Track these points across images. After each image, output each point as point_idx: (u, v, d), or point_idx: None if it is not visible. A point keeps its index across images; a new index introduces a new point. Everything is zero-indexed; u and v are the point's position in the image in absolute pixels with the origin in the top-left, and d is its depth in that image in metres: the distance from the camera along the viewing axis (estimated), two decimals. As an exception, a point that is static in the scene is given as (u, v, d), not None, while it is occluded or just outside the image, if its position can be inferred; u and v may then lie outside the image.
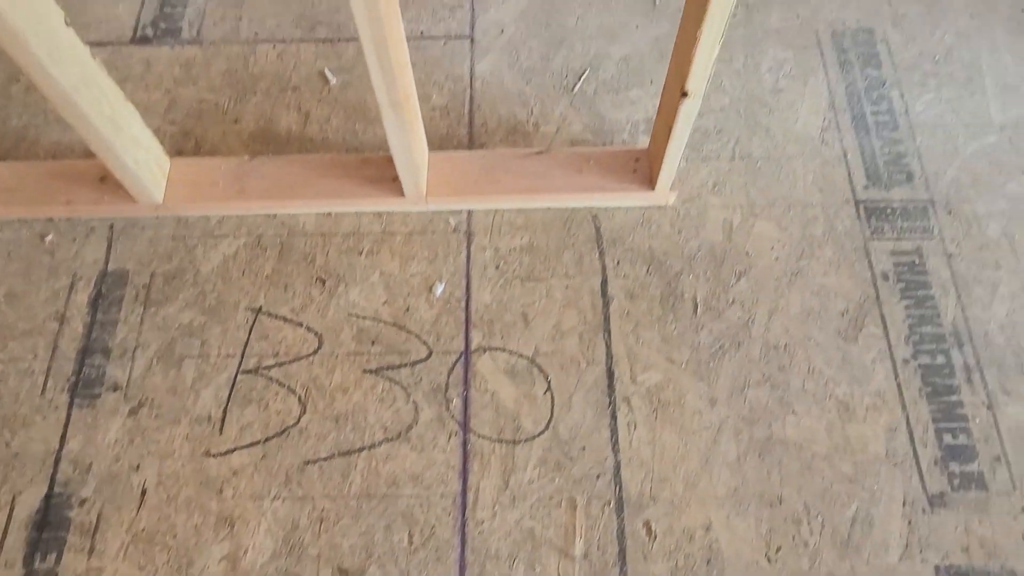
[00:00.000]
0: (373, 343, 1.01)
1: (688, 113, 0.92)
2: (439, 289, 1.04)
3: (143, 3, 1.28)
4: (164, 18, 1.27)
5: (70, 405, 0.96)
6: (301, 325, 1.02)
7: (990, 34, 1.24)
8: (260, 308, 1.03)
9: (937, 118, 1.17)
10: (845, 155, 1.14)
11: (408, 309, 1.03)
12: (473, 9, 1.28)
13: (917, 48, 1.23)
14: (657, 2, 1.28)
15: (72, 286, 1.04)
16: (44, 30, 0.80)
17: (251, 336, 1.01)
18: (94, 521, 0.90)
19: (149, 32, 1.25)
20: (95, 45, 1.24)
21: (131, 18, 1.27)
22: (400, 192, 1.07)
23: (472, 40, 1.25)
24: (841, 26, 1.25)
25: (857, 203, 1.10)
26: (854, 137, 1.15)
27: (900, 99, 1.18)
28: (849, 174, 1.13)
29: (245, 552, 0.89)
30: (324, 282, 1.05)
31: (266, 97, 1.19)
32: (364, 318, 1.02)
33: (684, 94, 0.89)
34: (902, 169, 1.13)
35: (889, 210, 1.10)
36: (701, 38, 0.80)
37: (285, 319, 1.02)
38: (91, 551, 0.89)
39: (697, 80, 0.87)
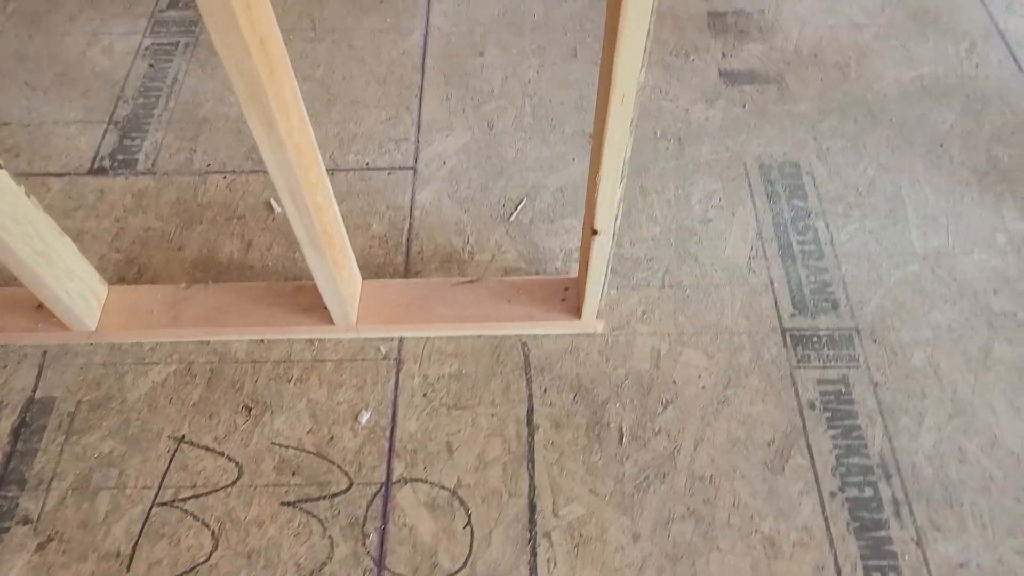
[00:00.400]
0: (294, 473, 1.00)
1: (601, 249, 0.95)
2: (364, 417, 1.04)
3: (104, 136, 1.35)
4: (122, 150, 1.33)
5: (-22, 539, 0.94)
6: (222, 455, 1.01)
7: (910, 167, 1.29)
8: (183, 437, 1.02)
9: (861, 247, 1.20)
10: (772, 283, 1.16)
11: (332, 438, 1.03)
12: (418, 142, 1.34)
13: (841, 180, 1.28)
14: (591, 135, 1.35)
15: (-3, 414, 1.04)
16: (-27, 174, 0.84)
17: (171, 466, 1.00)
18: (-14, 667, 0.86)
19: (107, 163, 1.31)
20: (53, 175, 1.29)
21: (91, 150, 1.33)
22: (331, 320, 1.08)
23: (415, 171, 1.30)
24: (768, 159, 1.31)
25: (784, 331, 1.12)
26: (781, 266, 1.18)
27: (825, 229, 1.22)
28: (776, 302, 1.15)
29: None
30: (250, 410, 1.05)
31: (212, 225, 1.23)
32: (287, 447, 1.02)
33: (594, 232, 0.92)
34: (827, 297, 1.15)
35: (815, 338, 1.11)
36: (600, 184, 0.84)
37: (207, 448, 1.01)
38: None
39: (604, 220, 0.90)
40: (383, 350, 1.10)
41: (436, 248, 1.21)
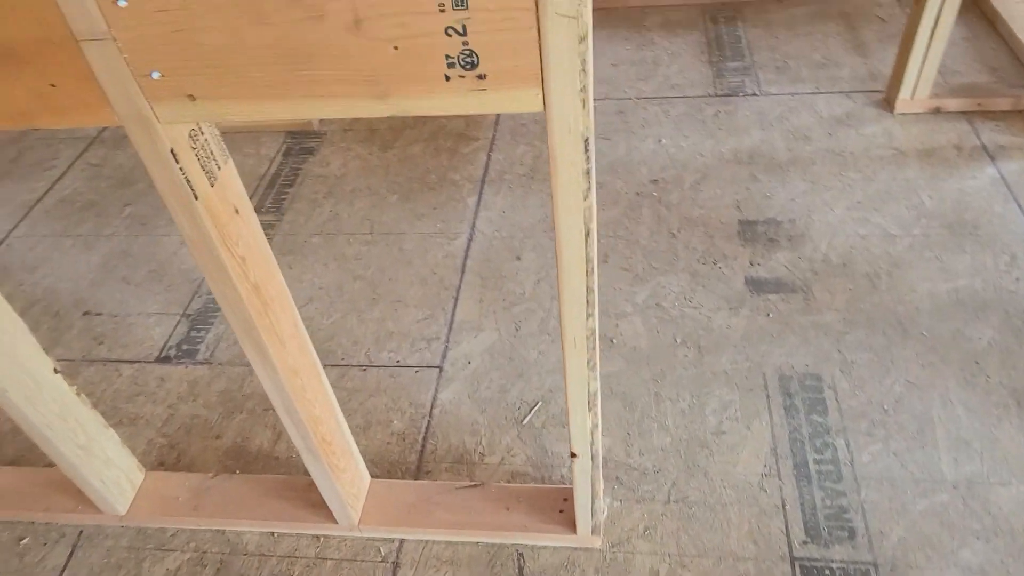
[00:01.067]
0: None
1: (582, 471, 0.96)
2: (354, 623, 1.05)
3: (175, 327, 1.52)
4: (188, 341, 1.49)
5: None
6: (215, 652, 1.04)
7: (942, 385, 1.24)
8: (183, 629, 1.06)
9: (884, 471, 1.14)
10: (784, 505, 1.12)
11: (319, 643, 1.04)
12: (448, 342, 1.43)
13: (865, 396, 1.24)
14: (614, 340, 1.39)
15: (29, 590, 1.12)
16: (26, 382, 0.98)
17: (166, 659, 1.03)
18: None
19: (172, 352, 1.47)
20: (126, 363, 1.46)
21: (162, 339, 1.49)
22: (335, 519, 1.13)
23: (441, 370, 1.38)
24: (789, 371, 1.30)
25: (793, 560, 1.06)
26: (795, 486, 1.14)
27: (845, 448, 1.18)
28: (787, 527, 1.09)
29: None
30: (249, 606, 1.08)
31: (250, 416, 1.34)
32: (276, 649, 1.03)
33: (572, 455, 0.94)
34: (844, 525, 1.09)
35: (827, 571, 1.04)
36: (570, 411, 0.87)
37: (202, 643, 1.05)
38: None
39: (579, 444, 0.92)
40: (383, 552, 1.12)
41: (450, 447, 1.25)
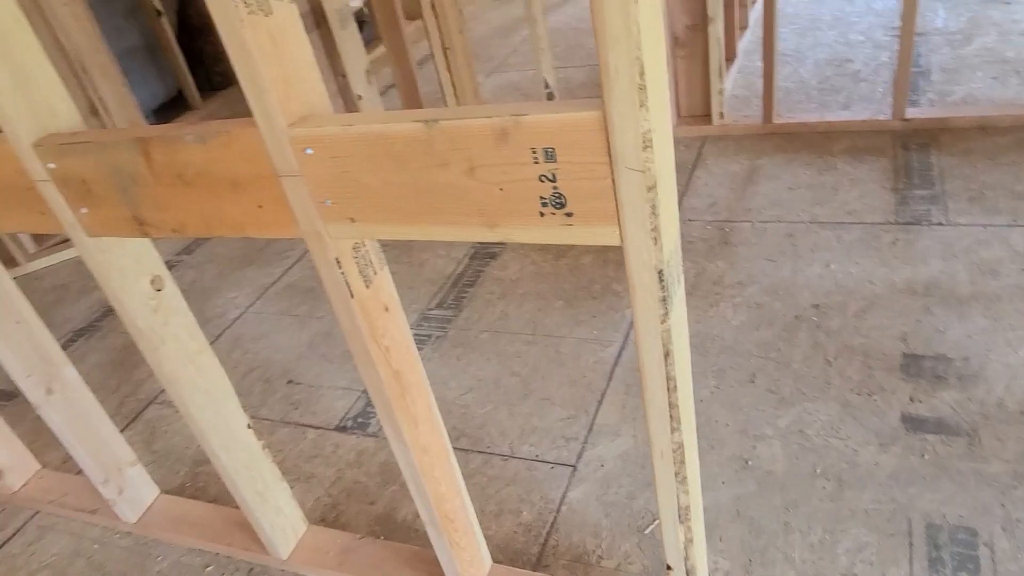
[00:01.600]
0: None
1: (678, 585, 0.98)
2: None
3: (355, 401, 1.74)
4: (363, 415, 1.70)
5: None
6: None
7: None
8: (313, 671, 1.20)
9: (1042, 650, 1.01)
10: (914, 667, 1.03)
11: None
12: (585, 443, 1.50)
13: (1030, 561, 1.11)
14: (749, 462, 1.37)
15: (205, 611, 1.33)
16: (225, 433, 1.20)
17: None
18: None
19: (349, 423, 1.68)
20: (311, 427, 1.69)
21: (344, 411, 1.72)
22: (454, 595, 1.22)
23: (575, 469, 1.45)
24: (940, 520, 1.20)
25: None
26: (929, 649, 1.04)
27: (997, 616, 1.06)
28: None
29: None
30: (371, 662, 1.19)
31: (401, 488, 1.49)
32: None
33: (668, 568, 0.97)
34: None
35: None
36: (662, 517, 0.91)
37: None
38: None
39: (673, 557, 0.95)
40: (493, 635, 1.19)
41: (570, 546, 1.30)
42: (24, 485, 1.68)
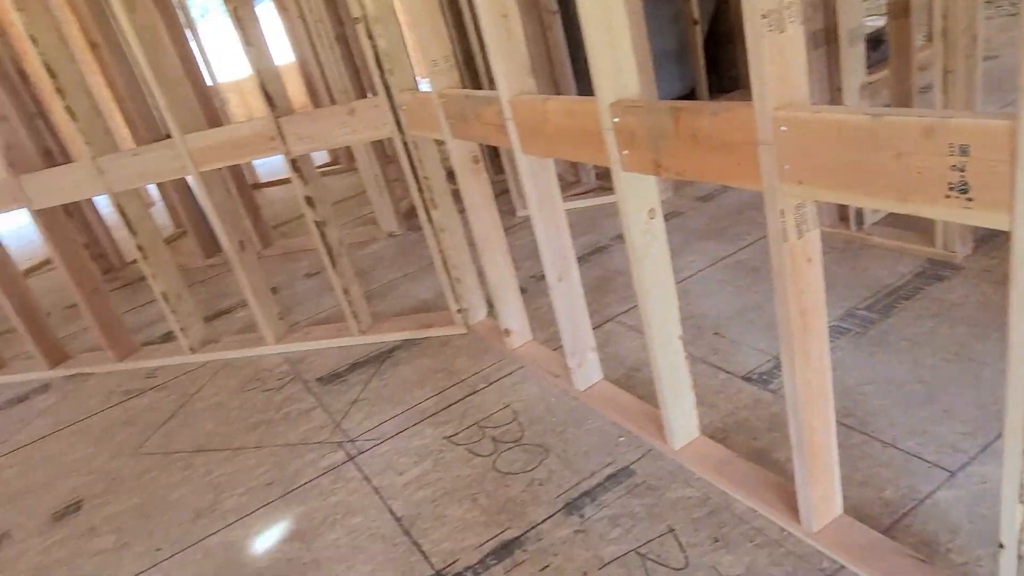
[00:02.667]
0: (712, 588, 1.41)
1: (1007, 566, 1.07)
2: (778, 591, 1.37)
3: (766, 362, 2.02)
4: (769, 374, 1.97)
5: (563, 507, 1.70)
6: None
7: None
8: None
9: None
10: None
11: (749, 587, 1.39)
12: (974, 458, 1.54)
13: None
14: None
15: (612, 463, 1.80)
16: (664, 336, 1.62)
17: None
18: None
19: (755, 376, 1.97)
20: (721, 370, 2.03)
21: (754, 366, 2.01)
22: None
23: (952, 475, 1.51)
24: None
25: None
26: None
27: None
28: None
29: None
30: None
31: (783, 436, 1.74)
32: None
33: (1000, 545, 1.06)
34: None
35: None
36: (1002, 492, 1.03)
37: None
38: None
39: (1007, 535, 1.05)
40: (823, 566, 1.39)
41: (924, 532, 1.41)
42: (520, 346, 2.39)
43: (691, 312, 2.37)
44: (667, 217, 3.15)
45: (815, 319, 1.27)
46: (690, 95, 4.23)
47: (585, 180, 3.71)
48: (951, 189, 0.92)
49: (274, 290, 3.52)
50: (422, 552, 1.69)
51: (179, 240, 4.90)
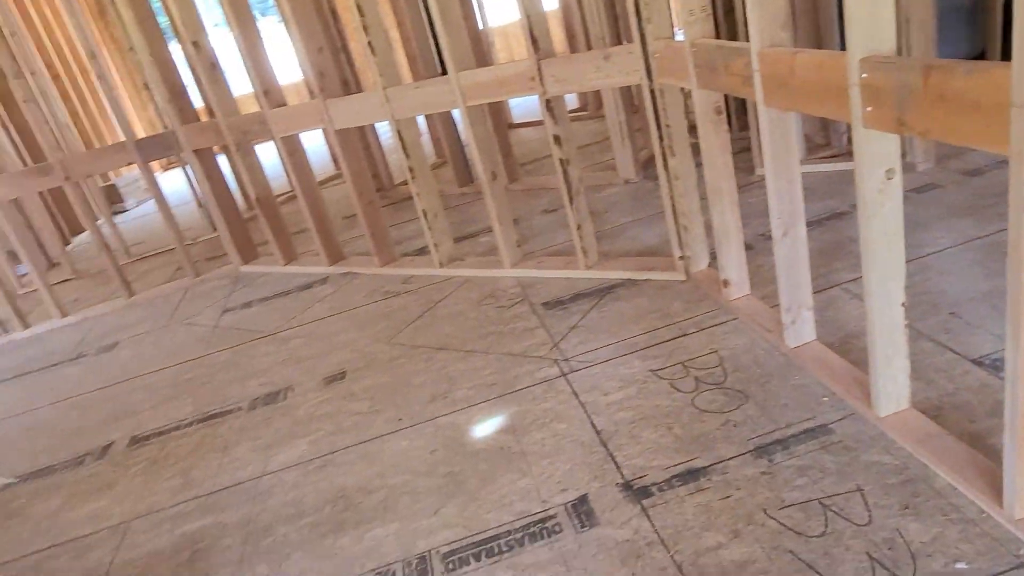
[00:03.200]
0: None
1: None
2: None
3: (1001, 348, 1.89)
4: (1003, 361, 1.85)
5: (754, 449, 1.78)
6: None
7: None
8: None
9: None
10: None
11: None
12: None
13: None
14: None
15: (811, 418, 1.83)
16: (884, 302, 1.61)
17: None
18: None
19: (986, 361, 1.86)
20: (949, 350, 1.93)
21: (988, 351, 1.90)
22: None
23: None
24: None
25: None
26: None
27: None
28: None
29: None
30: None
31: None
32: None
33: None
34: None
35: None
36: None
37: None
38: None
39: None
40: (1021, 553, 1.35)
41: None
42: (736, 298, 2.44)
43: (927, 288, 2.25)
44: (922, 189, 2.94)
45: (1050, 296, 1.22)
46: (979, 58, 3.80)
47: (836, 144, 3.54)
48: None
49: (515, 221, 3.85)
50: (615, 462, 1.87)
51: (439, 169, 5.45)
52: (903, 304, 1.64)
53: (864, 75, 1.42)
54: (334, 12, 4.69)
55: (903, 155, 3.11)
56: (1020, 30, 1.06)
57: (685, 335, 2.37)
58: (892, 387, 1.71)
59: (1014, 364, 1.27)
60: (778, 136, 1.88)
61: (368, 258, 3.74)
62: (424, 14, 4.51)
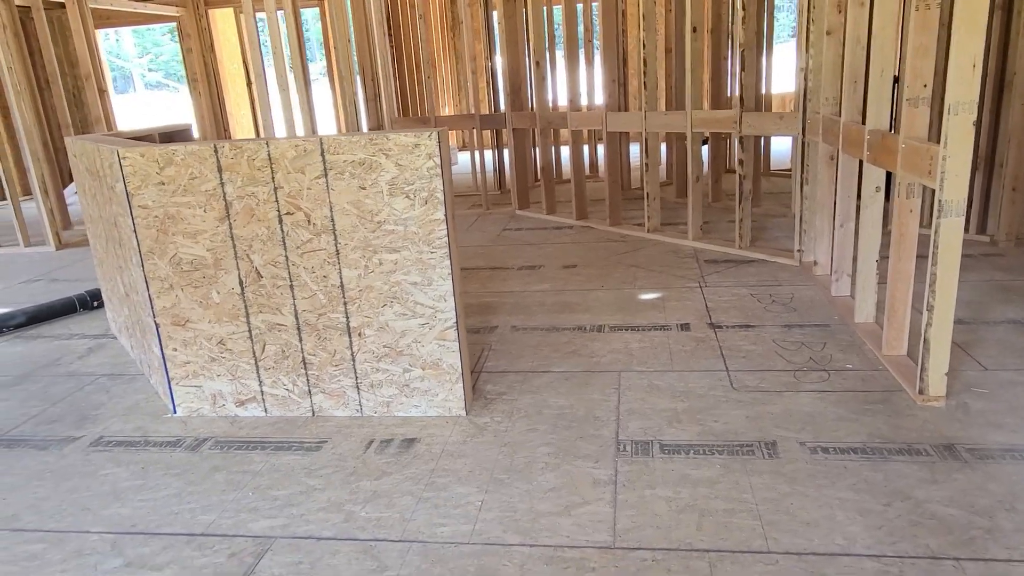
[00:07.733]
0: None
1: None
2: None
3: (950, 319, 3.29)
4: None
5: (783, 324, 3.37)
6: None
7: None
8: None
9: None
10: None
11: None
12: None
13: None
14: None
15: (821, 321, 3.38)
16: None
17: None
18: (751, 330, 3.35)
19: None
20: None
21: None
22: None
23: None
24: None
25: None
26: None
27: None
28: None
29: (748, 346, 3.18)
30: None
31: None
32: None
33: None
34: None
35: None
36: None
37: None
38: (744, 330, 3.35)
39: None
40: None
41: None
42: (819, 274, 3.97)
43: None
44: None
45: None
46: None
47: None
48: None
49: (706, 221, 5.52)
50: (710, 318, 3.54)
51: (666, 186, 7.22)
52: (876, 261, 3.14)
53: (868, 137, 3.01)
54: (624, 59, 6.68)
55: (990, 238, 4.37)
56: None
57: (780, 285, 3.94)
58: (864, 309, 3.20)
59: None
60: (847, 173, 3.45)
61: (603, 220, 5.62)
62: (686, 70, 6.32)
